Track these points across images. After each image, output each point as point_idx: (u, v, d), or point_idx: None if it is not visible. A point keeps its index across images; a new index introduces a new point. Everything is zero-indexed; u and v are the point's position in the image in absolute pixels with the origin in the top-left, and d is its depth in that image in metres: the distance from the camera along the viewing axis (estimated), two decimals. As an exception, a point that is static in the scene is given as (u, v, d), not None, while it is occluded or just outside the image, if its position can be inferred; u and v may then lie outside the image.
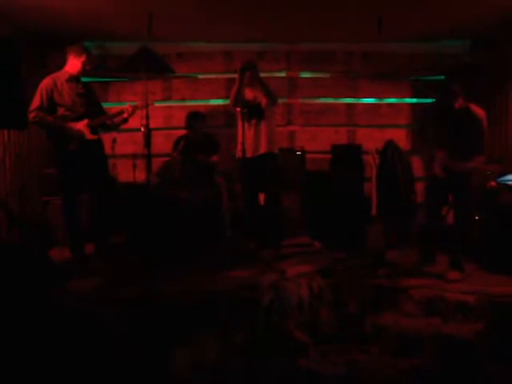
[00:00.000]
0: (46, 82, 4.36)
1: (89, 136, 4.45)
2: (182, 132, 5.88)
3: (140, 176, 5.40)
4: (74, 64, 4.43)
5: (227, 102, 4.96)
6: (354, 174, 5.83)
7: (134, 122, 4.73)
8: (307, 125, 6.80)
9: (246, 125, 4.71)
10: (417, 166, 5.34)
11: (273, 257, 4.50)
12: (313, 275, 4.02)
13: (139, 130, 4.43)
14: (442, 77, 6.55)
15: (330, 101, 6.83)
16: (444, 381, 3.05)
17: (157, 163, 5.80)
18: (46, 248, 4.47)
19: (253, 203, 5.02)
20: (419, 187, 5.17)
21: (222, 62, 6.71)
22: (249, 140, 4.73)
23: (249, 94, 4.87)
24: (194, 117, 5.79)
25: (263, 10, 5.36)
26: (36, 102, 4.29)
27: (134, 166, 5.48)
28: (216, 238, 5.22)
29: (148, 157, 4.47)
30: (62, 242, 4.82)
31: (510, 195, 4.60)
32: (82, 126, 4.42)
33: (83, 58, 4.42)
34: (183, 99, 6.73)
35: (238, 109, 4.71)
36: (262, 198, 5.25)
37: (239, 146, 4.72)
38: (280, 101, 5.19)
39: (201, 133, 5.78)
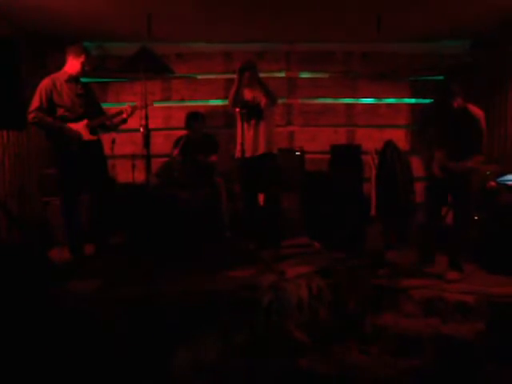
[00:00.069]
0: (45, 83, 4.35)
1: (88, 136, 4.45)
2: (182, 132, 5.88)
3: (139, 176, 5.40)
4: (73, 64, 4.43)
5: (226, 102, 4.96)
6: (353, 175, 5.84)
7: (133, 123, 4.73)
8: (306, 125, 6.81)
9: (245, 125, 4.71)
10: (416, 166, 5.34)
11: (272, 257, 4.50)
12: (312, 276, 4.02)
13: (138, 130, 4.44)
14: (442, 77, 6.55)
15: (330, 101, 6.84)
16: (444, 381, 3.04)
17: (156, 163, 5.80)
18: (46, 248, 4.47)
19: (252, 204, 5.02)
20: (418, 187, 5.17)
21: (221, 63, 6.71)
22: (248, 140, 4.72)
23: (248, 94, 4.86)
24: (193, 117, 5.79)
25: (263, 11, 5.36)
26: (35, 102, 4.29)
27: (133, 166, 5.49)
28: (215, 239, 5.22)
29: (147, 157, 4.48)
30: (61, 242, 4.81)
31: (510, 195, 4.60)
32: (81, 126, 4.42)
33: (82, 59, 4.41)
34: (182, 99, 6.73)
35: (237, 109, 4.70)
36: (261, 198, 5.25)
37: (238, 147, 4.72)
38: (279, 101, 5.19)
39: (200, 133, 5.78)
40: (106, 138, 4.86)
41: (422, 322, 3.57)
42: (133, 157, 5.49)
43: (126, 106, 4.63)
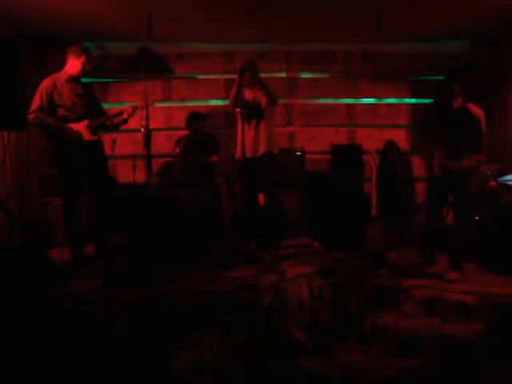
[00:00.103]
0: (45, 83, 4.35)
1: (88, 137, 4.45)
2: (183, 133, 5.88)
3: (140, 177, 5.41)
4: (73, 65, 4.43)
5: (227, 102, 4.96)
6: (353, 175, 5.83)
7: (133, 123, 4.73)
8: (307, 125, 6.81)
9: (246, 125, 4.70)
10: (417, 166, 5.34)
11: (273, 257, 4.50)
12: (313, 276, 4.02)
13: (139, 130, 4.43)
14: (442, 77, 6.55)
15: (330, 101, 6.84)
16: (444, 381, 3.04)
17: (157, 164, 5.80)
18: (46, 248, 4.46)
19: (252, 204, 5.02)
20: (420, 187, 5.17)
21: (221, 63, 6.71)
22: (248, 141, 4.72)
23: (248, 94, 4.85)
24: (194, 117, 5.80)
25: (263, 11, 5.36)
26: (36, 103, 4.29)
27: (134, 166, 5.49)
28: (216, 239, 5.22)
29: (148, 157, 4.47)
30: (61, 242, 4.82)
31: (510, 195, 4.60)
32: (81, 126, 4.42)
33: (83, 59, 4.41)
34: (183, 100, 6.74)
35: (238, 109, 4.70)
36: (261, 198, 5.25)
37: (239, 147, 4.72)
38: (280, 101, 5.19)
39: (201, 133, 5.78)
40: (106, 138, 4.87)
41: (423, 322, 3.57)
42: (133, 157, 5.49)
43: (126, 106, 4.63)
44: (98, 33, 5.99)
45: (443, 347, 3.30)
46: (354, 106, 6.85)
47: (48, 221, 5.35)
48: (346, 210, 5.32)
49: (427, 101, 6.56)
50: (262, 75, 4.88)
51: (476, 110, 4.14)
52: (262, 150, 4.79)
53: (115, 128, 4.75)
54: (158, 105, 5.54)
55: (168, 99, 6.72)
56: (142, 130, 4.39)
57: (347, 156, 6.11)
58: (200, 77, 6.76)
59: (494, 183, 4.82)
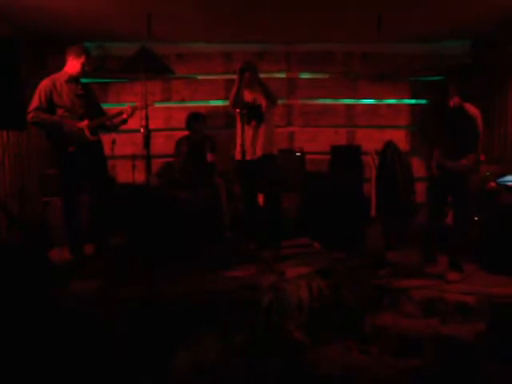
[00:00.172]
0: (44, 83, 4.35)
1: (88, 137, 4.45)
2: (182, 133, 5.88)
3: (139, 177, 5.39)
4: (73, 65, 4.43)
5: (227, 102, 4.95)
6: (353, 175, 5.84)
7: (133, 123, 4.72)
8: (307, 125, 6.81)
9: (246, 126, 4.69)
10: (416, 166, 5.34)
11: (272, 257, 4.50)
12: (312, 276, 4.02)
13: (139, 130, 4.43)
14: (442, 77, 6.55)
15: (330, 101, 6.84)
16: (444, 381, 3.04)
17: (156, 164, 5.79)
18: (46, 248, 4.46)
19: (252, 204, 5.01)
20: (419, 187, 5.17)
21: (221, 63, 6.71)
22: (248, 142, 4.70)
23: (248, 95, 4.83)
24: (194, 118, 5.80)
25: (263, 11, 5.36)
26: (34, 102, 4.28)
27: (134, 166, 5.48)
28: (216, 239, 5.22)
29: (147, 158, 4.47)
30: (61, 242, 4.81)
31: (510, 196, 4.61)
32: (81, 127, 4.42)
33: (82, 59, 4.41)
34: (183, 100, 6.73)
35: (238, 110, 4.70)
36: (261, 198, 5.24)
37: (238, 148, 4.71)
38: (279, 102, 5.18)
39: (201, 133, 5.79)
40: (106, 139, 4.86)
41: (422, 323, 3.57)
42: (133, 157, 5.48)
43: (126, 106, 4.63)
44: (98, 33, 5.99)
45: (443, 347, 3.30)
46: (354, 107, 6.85)
47: (48, 221, 5.35)
48: (346, 211, 5.33)
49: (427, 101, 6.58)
50: (262, 76, 4.87)
51: (473, 110, 4.14)
52: (261, 151, 4.76)
53: (115, 128, 4.74)
54: (157, 105, 5.54)
55: (168, 99, 6.72)
56: (142, 130, 4.38)
57: (347, 156, 6.12)
58: (200, 77, 6.76)
59: (493, 184, 4.83)
